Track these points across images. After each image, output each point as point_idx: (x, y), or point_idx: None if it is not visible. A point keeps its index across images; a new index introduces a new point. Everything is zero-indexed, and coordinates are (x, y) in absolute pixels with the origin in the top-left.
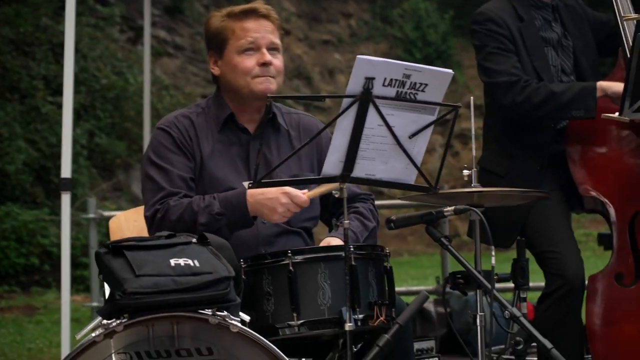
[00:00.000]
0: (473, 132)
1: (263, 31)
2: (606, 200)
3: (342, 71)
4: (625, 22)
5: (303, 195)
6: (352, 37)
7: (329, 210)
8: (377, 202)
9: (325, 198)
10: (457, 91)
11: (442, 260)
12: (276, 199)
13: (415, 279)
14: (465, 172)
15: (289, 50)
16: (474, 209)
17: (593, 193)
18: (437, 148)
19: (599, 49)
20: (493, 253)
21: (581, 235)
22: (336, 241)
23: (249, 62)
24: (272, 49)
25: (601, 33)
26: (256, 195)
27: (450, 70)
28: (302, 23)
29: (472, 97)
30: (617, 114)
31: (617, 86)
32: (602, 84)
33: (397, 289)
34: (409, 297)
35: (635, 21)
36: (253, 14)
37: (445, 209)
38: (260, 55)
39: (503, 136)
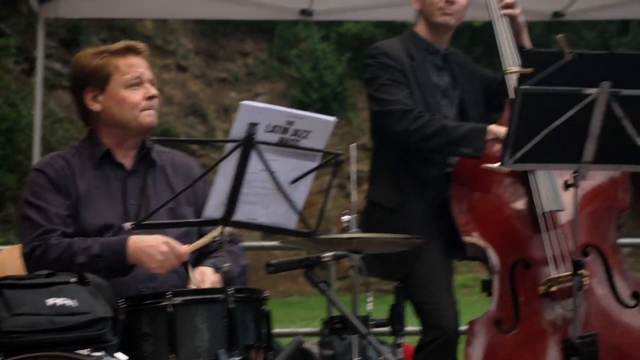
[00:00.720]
0: (354, 177)
1: (144, 67)
2: (488, 248)
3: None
4: (508, 75)
5: (184, 248)
6: (249, 76)
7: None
8: (261, 243)
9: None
10: (351, 133)
11: (327, 303)
12: (156, 247)
13: (304, 320)
14: (345, 217)
15: (185, 87)
16: (353, 255)
17: (475, 240)
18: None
19: (489, 105)
20: (370, 299)
21: (470, 280)
22: (209, 271)
23: (136, 95)
24: (151, 84)
25: (490, 89)
26: (138, 242)
27: (332, 118)
28: (199, 60)
29: (354, 144)
30: (497, 164)
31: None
32: (493, 127)
33: (285, 330)
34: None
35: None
36: (133, 51)
37: (323, 255)
38: (145, 89)
39: (394, 170)
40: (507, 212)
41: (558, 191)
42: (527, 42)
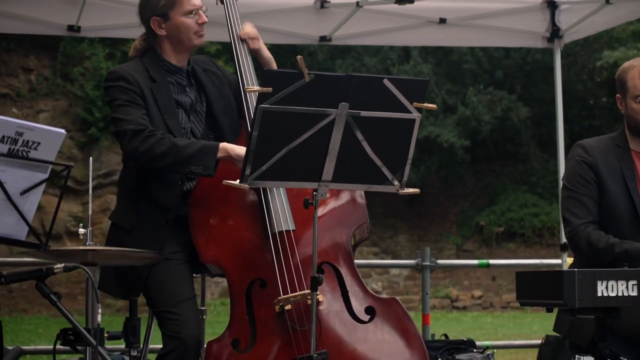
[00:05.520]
0: (90, 191)
1: None
2: (225, 268)
3: None
4: (248, 94)
5: None
6: (31, 93)
7: None
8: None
9: None
10: None
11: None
12: None
13: None
14: (81, 230)
15: None
16: (84, 267)
17: (213, 260)
18: (112, 208)
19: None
20: (100, 311)
21: None
22: None
23: None
24: None
25: (241, 94)
26: None
27: (62, 131)
28: None
29: (91, 158)
30: (238, 181)
31: (240, 149)
32: (225, 145)
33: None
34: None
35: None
36: None
37: (55, 266)
38: None
39: (133, 191)
40: (243, 233)
41: (290, 212)
42: None
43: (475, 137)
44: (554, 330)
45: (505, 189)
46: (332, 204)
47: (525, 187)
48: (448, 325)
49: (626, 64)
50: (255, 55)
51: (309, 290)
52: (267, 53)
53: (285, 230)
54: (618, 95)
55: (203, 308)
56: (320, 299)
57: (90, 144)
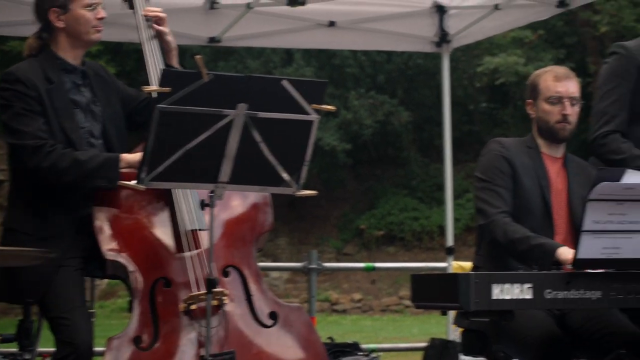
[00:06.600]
0: None
1: None
2: (129, 265)
3: None
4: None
5: None
6: None
7: None
8: None
9: None
10: None
11: None
12: None
13: None
14: None
15: None
16: None
17: (115, 258)
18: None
19: (129, 122)
20: None
21: None
22: None
23: None
24: None
25: (129, 106)
26: None
27: None
28: None
29: None
30: (134, 181)
31: (140, 157)
32: (125, 156)
33: None
34: None
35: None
36: None
37: None
38: None
39: (33, 196)
40: (150, 231)
41: (200, 210)
42: (175, 62)
43: (357, 141)
44: (454, 323)
45: (386, 193)
46: (242, 208)
47: (406, 191)
48: (328, 328)
49: (539, 70)
50: (160, 40)
51: (215, 290)
52: (171, 38)
53: (199, 229)
54: (529, 100)
55: (92, 311)
56: (225, 301)
57: None
